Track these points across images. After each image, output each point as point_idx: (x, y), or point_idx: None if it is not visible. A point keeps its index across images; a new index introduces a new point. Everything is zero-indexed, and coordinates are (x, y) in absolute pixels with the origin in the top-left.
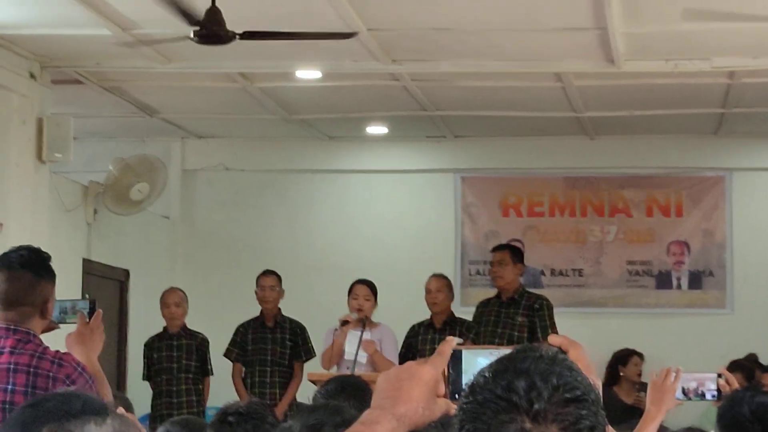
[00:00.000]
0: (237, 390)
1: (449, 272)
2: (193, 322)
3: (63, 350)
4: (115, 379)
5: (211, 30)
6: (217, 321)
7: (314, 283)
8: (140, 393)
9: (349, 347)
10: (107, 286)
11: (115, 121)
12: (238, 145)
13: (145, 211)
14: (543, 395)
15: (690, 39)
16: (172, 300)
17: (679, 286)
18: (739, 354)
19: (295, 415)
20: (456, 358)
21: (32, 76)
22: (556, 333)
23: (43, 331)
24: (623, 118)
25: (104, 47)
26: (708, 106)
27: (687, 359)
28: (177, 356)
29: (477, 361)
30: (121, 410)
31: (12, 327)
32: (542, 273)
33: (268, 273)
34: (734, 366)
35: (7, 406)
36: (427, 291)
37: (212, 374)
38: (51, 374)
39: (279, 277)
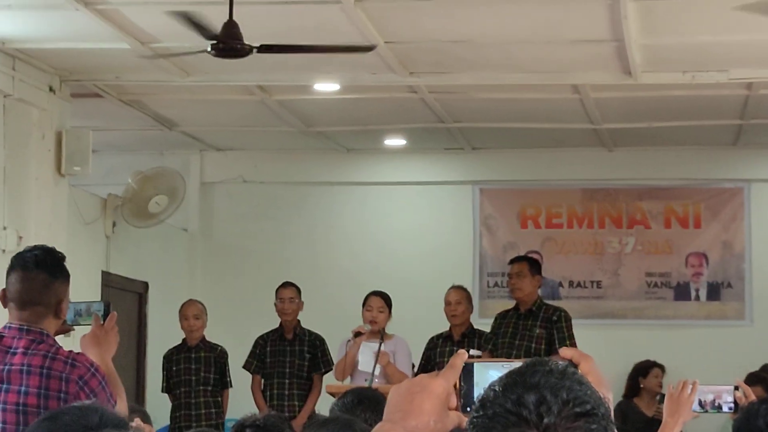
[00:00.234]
0: (256, 402)
1: (467, 284)
2: (212, 335)
3: (77, 351)
4: (134, 392)
5: (229, 44)
6: (236, 333)
7: (333, 294)
8: (159, 405)
9: (363, 358)
10: (126, 298)
11: (133, 134)
12: (256, 157)
13: (164, 223)
14: (553, 409)
15: (707, 50)
16: (191, 312)
17: (697, 298)
18: (758, 366)
19: (306, 428)
20: (468, 371)
21: (51, 89)
22: (575, 345)
23: (57, 333)
24: (641, 129)
25: (123, 61)
26: (726, 117)
27: (706, 371)
28: (196, 369)
29: (489, 374)
30: (138, 421)
31: (25, 327)
32: (560, 285)
33: (287, 285)
34: (753, 378)
35: (20, 407)
36: (447, 303)
37: (231, 386)
38: (64, 375)
39: (298, 289)
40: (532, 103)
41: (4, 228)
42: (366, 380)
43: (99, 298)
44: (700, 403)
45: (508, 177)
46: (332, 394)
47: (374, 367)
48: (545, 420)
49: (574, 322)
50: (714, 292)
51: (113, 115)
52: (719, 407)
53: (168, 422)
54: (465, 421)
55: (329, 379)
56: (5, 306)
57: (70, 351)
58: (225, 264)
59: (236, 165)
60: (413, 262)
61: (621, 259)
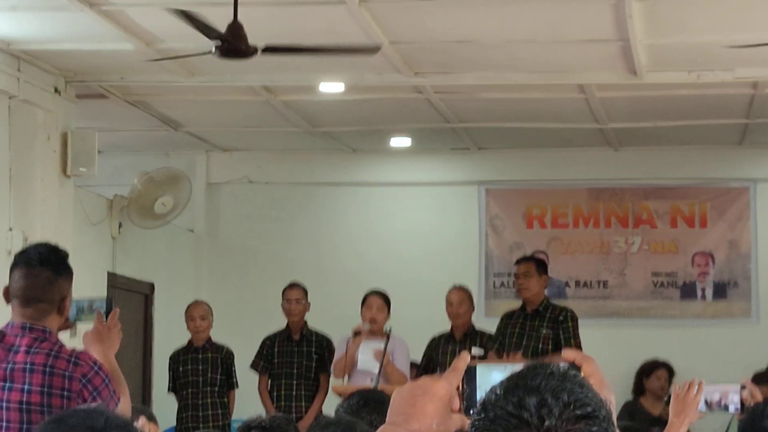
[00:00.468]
0: (263, 402)
1: (473, 284)
2: (218, 335)
3: (80, 349)
4: (141, 392)
5: (233, 45)
6: (242, 334)
7: (338, 294)
8: (166, 406)
9: (363, 357)
10: (132, 299)
11: (139, 135)
12: (262, 158)
13: (170, 224)
14: (554, 412)
15: (712, 50)
16: (197, 313)
17: (703, 297)
18: (765, 365)
19: (309, 431)
20: (470, 374)
21: (57, 90)
22: (580, 345)
23: (60, 330)
24: (647, 129)
25: (128, 62)
26: (731, 116)
27: (712, 370)
28: (202, 369)
29: (491, 376)
30: (143, 420)
31: (28, 325)
32: (567, 285)
33: (294, 286)
34: (760, 378)
35: (23, 406)
36: (449, 303)
37: (237, 387)
38: (67, 373)
39: (305, 290)
40: (538, 102)
41: (10, 229)
42: (372, 379)
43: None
44: (707, 403)
45: (514, 177)
46: (338, 395)
47: (381, 367)
48: (546, 423)
49: (580, 321)
50: (720, 291)
51: (118, 116)
52: (726, 407)
53: (174, 423)
54: (468, 423)
55: (335, 380)
56: (8, 302)
57: (74, 349)
58: (231, 264)
59: (242, 165)
60: (419, 263)
61: (627, 258)
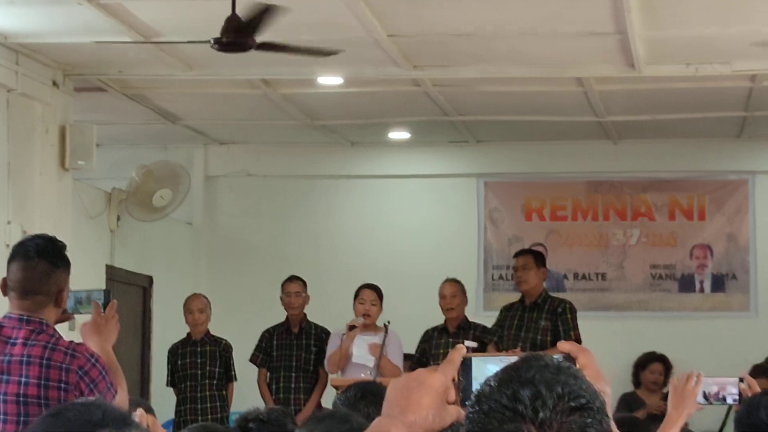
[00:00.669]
0: (262, 395)
1: (472, 276)
2: (216, 328)
3: (78, 341)
4: (139, 386)
5: (231, 38)
6: (240, 327)
7: (336, 287)
8: (164, 399)
9: (357, 351)
10: (130, 292)
11: (137, 128)
12: (260, 151)
13: (168, 217)
14: (548, 404)
15: (710, 43)
16: (195, 306)
17: (702, 290)
18: (763, 357)
19: (304, 424)
20: (466, 366)
21: (55, 84)
22: (579, 336)
23: (57, 322)
24: (645, 122)
25: (126, 55)
26: (730, 109)
27: (710, 363)
28: (201, 362)
29: (487, 368)
30: (140, 411)
31: (25, 317)
32: (565, 277)
33: (293, 279)
34: (758, 370)
35: (20, 398)
36: (442, 296)
37: (236, 380)
38: (64, 366)
39: (304, 283)
40: (537, 95)
41: (9, 222)
42: (370, 373)
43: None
44: (705, 395)
45: (513, 170)
46: (336, 388)
47: (379, 359)
48: (540, 414)
49: (579, 314)
50: (719, 283)
51: (117, 109)
52: (723, 399)
53: (173, 416)
54: (464, 415)
55: (330, 374)
56: (5, 295)
57: (71, 341)
58: (229, 257)
59: (240, 159)
60: (417, 256)
61: (626, 251)
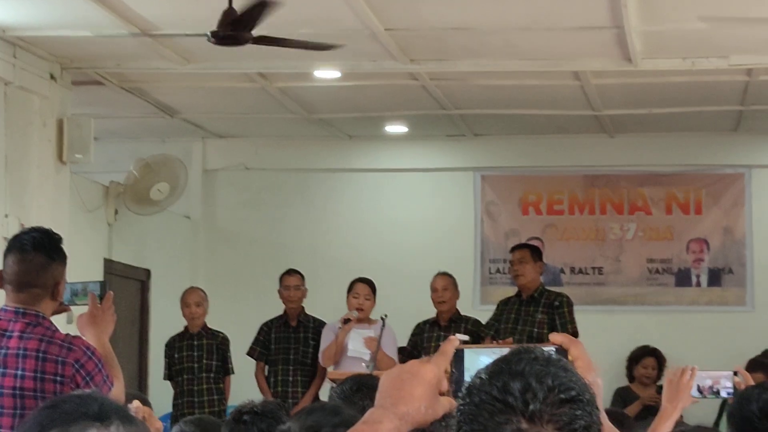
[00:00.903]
0: (260, 387)
1: (469, 270)
2: (214, 322)
3: (75, 334)
4: (137, 379)
5: (227, 32)
6: (238, 320)
7: (334, 281)
8: (162, 393)
9: (353, 345)
10: (128, 286)
11: (135, 122)
12: (258, 144)
13: (166, 211)
14: (538, 396)
15: (707, 37)
16: (192, 300)
17: (698, 284)
18: (759, 351)
19: (294, 416)
20: (458, 357)
21: (53, 77)
22: (576, 329)
23: (54, 313)
24: (642, 116)
25: (124, 48)
26: (726, 103)
27: (707, 357)
28: (198, 356)
29: (479, 359)
30: (137, 403)
31: (21, 310)
32: (562, 271)
33: (292, 272)
34: (754, 364)
35: (17, 391)
36: (433, 290)
37: (233, 373)
38: (60, 358)
39: (302, 276)
40: (533, 89)
41: (6, 216)
42: (366, 366)
43: None
44: (699, 389)
45: (510, 163)
46: (333, 381)
47: (376, 352)
48: (531, 407)
49: (575, 308)
50: (715, 278)
51: (115, 103)
52: (717, 393)
53: (170, 409)
54: (456, 406)
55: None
56: (1, 287)
57: (67, 334)
58: (227, 251)
59: (238, 152)
60: (414, 249)
61: (622, 245)
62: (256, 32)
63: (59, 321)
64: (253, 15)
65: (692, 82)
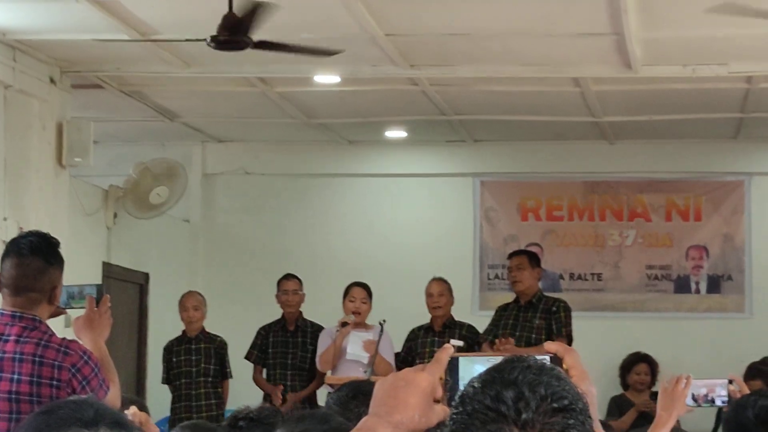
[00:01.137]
0: (261, 387)
1: (468, 276)
2: (213, 326)
3: (71, 338)
4: (135, 383)
5: (227, 36)
6: (237, 324)
7: (333, 285)
8: (160, 396)
9: (352, 348)
10: (127, 289)
11: (135, 125)
12: (258, 149)
13: (165, 214)
14: (531, 405)
15: (707, 44)
16: (190, 303)
17: (697, 291)
18: (758, 358)
19: (283, 422)
20: (453, 365)
21: (52, 80)
22: (571, 334)
23: (50, 316)
24: (642, 122)
25: (124, 52)
26: (726, 110)
27: (706, 363)
28: (196, 360)
29: (474, 368)
30: (133, 409)
31: (18, 314)
32: (561, 277)
33: (290, 277)
34: (753, 371)
35: (12, 396)
36: (429, 295)
37: (231, 377)
38: (56, 363)
39: (300, 281)
40: (533, 95)
41: (5, 219)
42: (364, 371)
43: None
44: (694, 397)
45: (509, 169)
46: (332, 386)
47: (374, 357)
48: (523, 416)
49: (574, 314)
50: (714, 284)
51: (114, 106)
52: (712, 401)
53: (168, 413)
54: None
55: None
56: None
57: (63, 338)
58: (226, 255)
59: (238, 156)
60: (414, 254)
61: (621, 251)
62: (256, 37)
63: (57, 324)
64: (252, 18)
65: (692, 89)
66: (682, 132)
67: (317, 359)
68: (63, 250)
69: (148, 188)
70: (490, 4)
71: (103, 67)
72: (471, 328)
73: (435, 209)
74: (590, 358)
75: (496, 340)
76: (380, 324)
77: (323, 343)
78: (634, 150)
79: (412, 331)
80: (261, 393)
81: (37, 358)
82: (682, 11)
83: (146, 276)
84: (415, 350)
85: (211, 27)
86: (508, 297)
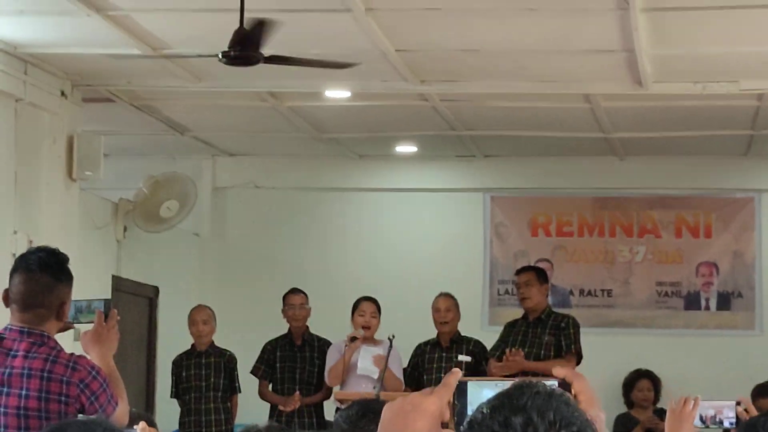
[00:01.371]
0: (269, 400)
1: (477, 291)
2: (222, 340)
3: (79, 353)
4: (144, 397)
5: (239, 52)
6: (246, 338)
7: (343, 300)
8: (169, 411)
9: (362, 363)
10: (137, 303)
11: (145, 139)
12: (268, 163)
13: (175, 228)
14: (539, 431)
15: (718, 61)
16: (200, 317)
17: (707, 308)
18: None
19: None
20: (461, 389)
21: (63, 94)
22: (580, 350)
23: (58, 331)
24: (652, 139)
25: (135, 66)
26: (737, 127)
27: (715, 380)
28: (205, 374)
29: (482, 392)
30: (142, 425)
31: (26, 329)
32: (571, 293)
33: (296, 291)
34: (763, 390)
35: (21, 411)
36: (436, 310)
37: (240, 392)
38: (65, 378)
39: (306, 295)
40: (544, 111)
41: (15, 232)
42: (373, 387)
43: None
44: (702, 419)
45: (519, 185)
46: (340, 401)
47: (383, 372)
48: None
49: (584, 330)
50: (724, 301)
51: (125, 120)
52: (720, 422)
53: (177, 427)
54: None
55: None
56: (7, 306)
57: (72, 354)
58: (236, 269)
59: (248, 170)
60: (423, 269)
61: (631, 268)
62: (267, 52)
63: (66, 338)
64: (262, 34)
65: (703, 106)
66: (692, 149)
67: (326, 374)
68: (72, 264)
69: (158, 202)
70: (501, 20)
71: (114, 81)
72: (478, 344)
73: (445, 224)
74: (600, 374)
75: (507, 351)
76: (389, 339)
77: (332, 357)
78: (644, 166)
79: (419, 347)
80: (269, 407)
81: (45, 374)
82: (693, 28)
83: (156, 289)
84: (422, 366)
85: (222, 42)
86: (518, 312)
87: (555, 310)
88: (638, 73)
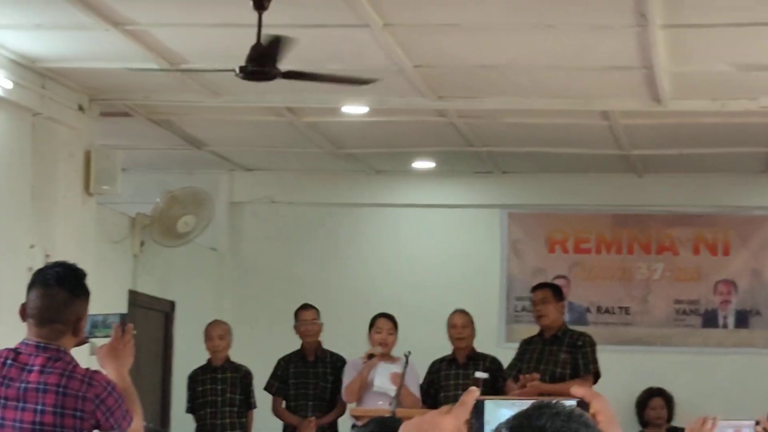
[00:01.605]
0: (283, 418)
1: (494, 308)
2: (238, 355)
3: (95, 368)
4: (159, 412)
5: (256, 67)
6: (263, 354)
7: (361, 316)
8: (184, 426)
9: (379, 380)
10: (153, 317)
11: (163, 154)
12: (285, 178)
13: (192, 243)
14: None
15: (736, 79)
16: (215, 333)
17: (725, 326)
18: None
19: None
20: (478, 409)
21: (81, 108)
22: (598, 370)
23: (73, 346)
24: (671, 156)
25: (152, 81)
26: (756, 145)
27: (733, 399)
28: (221, 389)
29: (500, 411)
30: None
31: (42, 344)
32: (588, 310)
33: (307, 307)
34: None
35: (36, 426)
36: (452, 326)
37: (256, 407)
38: (80, 394)
39: (317, 311)
40: (562, 128)
41: (32, 246)
42: (390, 403)
43: None
44: None
45: (537, 201)
46: (357, 418)
47: (399, 389)
48: None
49: (601, 347)
50: (742, 319)
51: (142, 134)
52: None
53: None
54: None
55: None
56: (24, 320)
57: (87, 369)
58: (253, 284)
59: (265, 185)
60: (440, 285)
61: (649, 285)
62: (284, 67)
63: (82, 353)
64: (280, 49)
65: (721, 123)
66: (710, 166)
67: (343, 390)
68: (89, 278)
69: (175, 216)
70: (519, 36)
71: (132, 95)
72: (495, 360)
73: (462, 240)
74: (618, 392)
75: (521, 376)
76: (405, 356)
77: (349, 374)
78: (662, 183)
79: (434, 363)
80: (282, 425)
81: (60, 389)
82: (712, 45)
83: (172, 304)
84: (438, 383)
85: (239, 57)
86: (535, 329)
87: (571, 327)
88: (657, 90)
